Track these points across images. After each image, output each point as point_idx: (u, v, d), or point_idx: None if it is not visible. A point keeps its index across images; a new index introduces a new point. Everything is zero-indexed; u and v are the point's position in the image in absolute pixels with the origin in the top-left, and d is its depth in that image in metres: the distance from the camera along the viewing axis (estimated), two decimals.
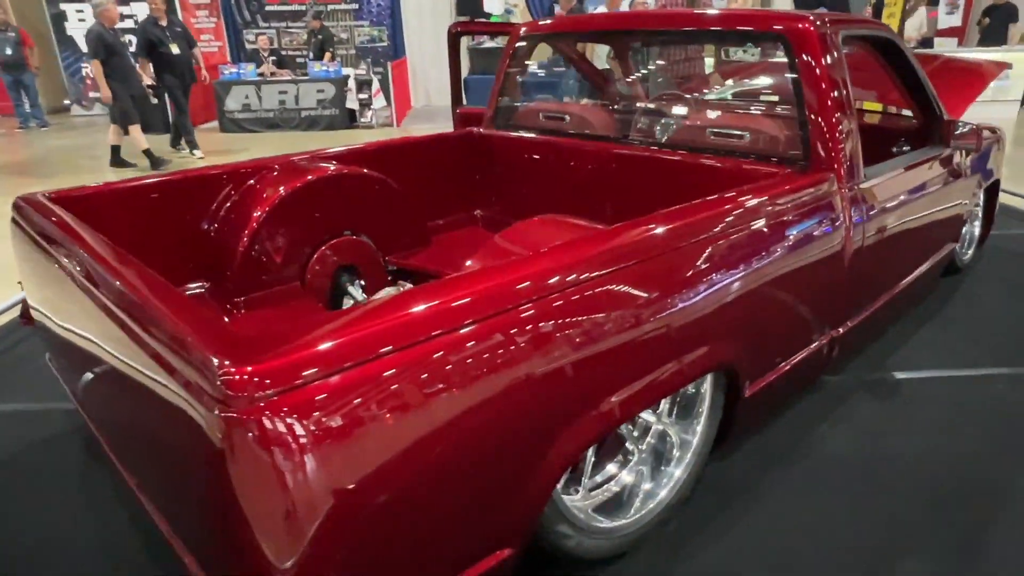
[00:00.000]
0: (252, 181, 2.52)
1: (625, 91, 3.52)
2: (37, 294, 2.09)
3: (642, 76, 3.72)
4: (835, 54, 2.22)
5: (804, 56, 2.20)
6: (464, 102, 3.75)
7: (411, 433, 1.16)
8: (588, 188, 2.84)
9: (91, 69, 6.76)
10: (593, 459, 1.74)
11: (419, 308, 1.20)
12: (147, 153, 7.06)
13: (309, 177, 2.49)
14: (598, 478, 1.82)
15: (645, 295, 1.51)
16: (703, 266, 1.66)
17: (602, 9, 8.59)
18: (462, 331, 1.21)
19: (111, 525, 1.97)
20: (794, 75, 2.23)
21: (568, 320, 1.36)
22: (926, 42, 9.67)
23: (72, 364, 1.92)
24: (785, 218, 1.93)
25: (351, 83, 9.69)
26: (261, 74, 9.72)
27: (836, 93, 2.18)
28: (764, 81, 3.18)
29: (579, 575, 1.74)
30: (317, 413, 1.05)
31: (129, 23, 10.18)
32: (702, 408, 1.90)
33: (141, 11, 9.93)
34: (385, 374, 1.12)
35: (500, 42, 10.20)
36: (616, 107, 3.32)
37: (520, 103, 3.32)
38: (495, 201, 3.29)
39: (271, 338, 1.09)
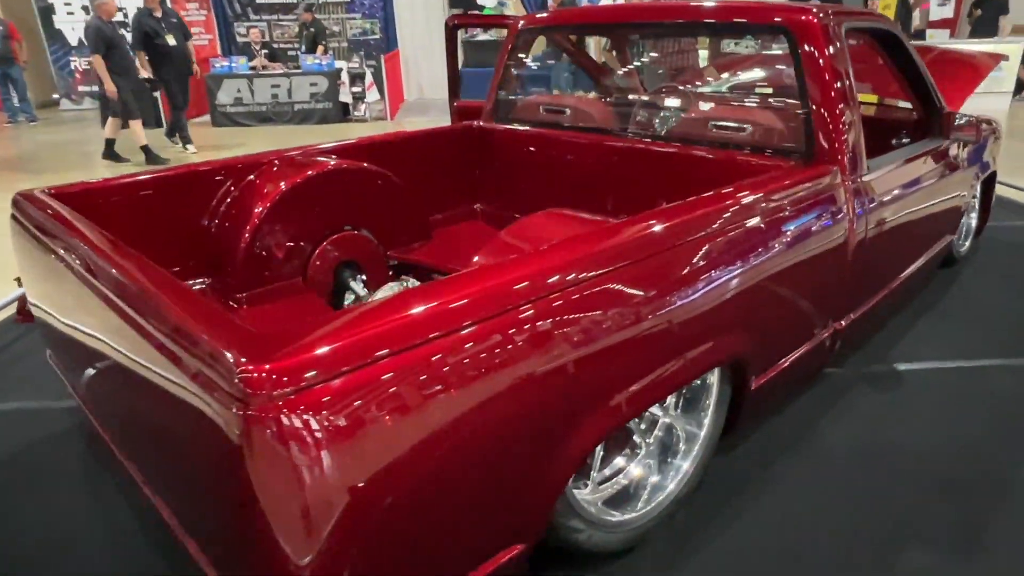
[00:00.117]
0: (252, 176, 2.50)
1: (626, 84, 3.52)
2: (38, 291, 2.07)
3: (642, 69, 3.71)
4: (838, 45, 2.22)
5: (807, 48, 2.20)
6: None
7: (427, 429, 1.15)
8: (589, 182, 2.83)
9: (93, 64, 6.62)
10: (601, 453, 1.75)
11: (436, 304, 1.19)
12: (145, 149, 7.00)
13: (310, 172, 2.48)
14: (606, 471, 1.83)
15: (654, 290, 1.51)
16: (711, 260, 1.66)
17: (606, 0, 8.55)
18: (478, 327, 1.21)
19: (116, 524, 1.96)
20: (797, 67, 2.22)
21: (580, 316, 1.36)
22: (918, 34, 9.70)
23: (76, 362, 1.91)
24: (790, 211, 1.93)
25: (344, 76, 9.64)
26: (253, 68, 9.64)
27: (839, 85, 2.18)
28: (766, 74, 3.18)
29: (590, 569, 1.74)
30: (335, 410, 1.04)
31: (119, 16, 10.05)
32: (709, 401, 1.90)
33: (130, 3, 9.82)
34: (402, 371, 1.11)
35: (493, 35, 10.18)
36: (617, 100, 3.31)
37: (518, 96, 3.31)
38: (495, 195, 3.28)
39: (288, 335, 1.08)
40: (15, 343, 3.13)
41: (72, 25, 11.21)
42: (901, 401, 2.48)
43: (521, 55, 3.24)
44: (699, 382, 1.88)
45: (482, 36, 10.34)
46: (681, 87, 3.06)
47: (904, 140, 2.93)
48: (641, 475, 1.85)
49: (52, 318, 1.95)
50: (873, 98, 3.71)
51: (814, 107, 2.19)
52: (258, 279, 2.44)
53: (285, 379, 1.02)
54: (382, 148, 2.93)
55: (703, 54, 4.54)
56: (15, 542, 1.93)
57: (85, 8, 11.00)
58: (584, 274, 1.38)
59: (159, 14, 7.22)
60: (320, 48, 9.92)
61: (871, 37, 2.66)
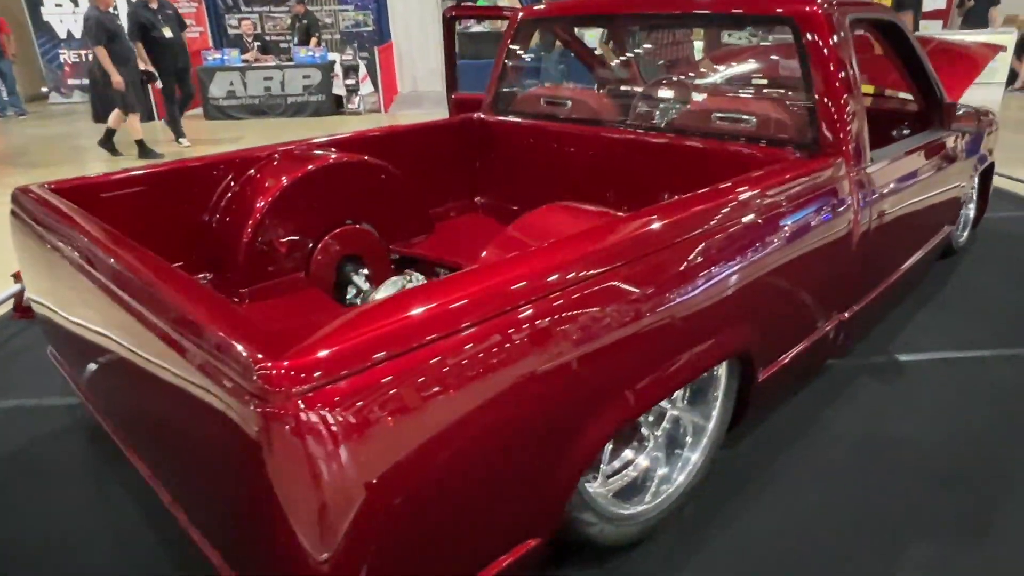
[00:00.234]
0: (253, 171, 2.48)
1: (628, 76, 3.50)
2: (40, 287, 2.05)
3: (643, 60, 3.70)
4: (842, 35, 2.21)
5: (812, 39, 2.19)
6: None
7: (444, 425, 1.15)
8: (591, 174, 2.82)
9: (96, 55, 6.53)
10: (610, 446, 1.75)
11: (452, 299, 1.18)
12: (139, 144, 6.94)
13: (310, 166, 2.46)
14: (616, 464, 1.83)
15: (663, 284, 1.51)
16: (720, 253, 1.65)
17: None
18: (494, 322, 1.20)
19: (120, 522, 1.95)
20: (802, 58, 2.22)
21: (594, 311, 1.35)
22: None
23: (80, 358, 1.89)
24: (797, 203, 1.93)
25: (337, 68, 9.57)
26: (246, 60, 9.56)
27: (844, 76, 2.18)
28: (770, 65, 3.18)
29: (599, 563, 1.74)
30: (354, 406, 1.04)
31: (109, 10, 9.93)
32: (716, 393, 1.91)
33: None
34: (420, 366, 1.11)
35: (488, 26, 10.12)
36: (619, 92, 3.30)
37: (518, 88, 3.29)
38: (496, 188, 3.27)
39: (306, 331, 1.07)
40: (12, 339, 3.10)
41: (60, 17, 11.08)
42: (903, 392, 2.49)
43: (522, 47, 3.22)
44: (707, 375, 1.88)
45: (476, 28, 10.28)
46: (683, 79, 3.06)
47: (904, 131, 2.94)
48: (651, 467, 1.85)
49: (55, 314, 1.93)
50: (869, 88, 3.72)
51: (819, 98, 2.18)
52: (260, 274, 2.42)
53: (303, 375, 1.01)
54: (382, 141, 2.91)
55: (698, 45, 4.54)
56: (17, 541, 1.91)
57: (74, 0, 10.88)
58: (595, 270, 1.38)
59: (155, 5, 7.13)
60: (313, 40, 9.84)
61: (873, 28, 2.66)
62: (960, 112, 2.81)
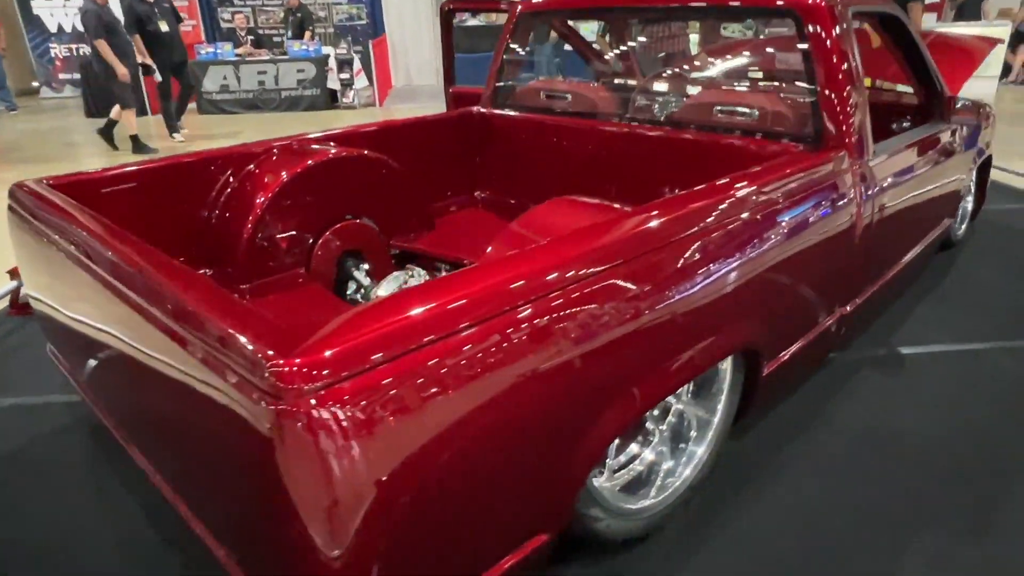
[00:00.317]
0: (252, 166, 2.46)
1: (626, 69, 3.49)
2: (39, 284, 2.03)
3: (641, 53, 3.69)
4: (845, 27, 2.20)
5: (815, 32, 2.18)
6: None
7: (456, 421, 1.14)
8: (592, 168, 2.81)
9: (98, 49, 6.46)
10: (616, 441, 1.74)
11: (462, 296, 1.18)
12: (133, 139, 6.89)
13: (310, 161, 2.44)
14: (622, 458, 1.83)
15: (670, 280, 1.50)
16: (727, 248, 1.65)
17: None
18: (505, 318, 1.19)
19: (124, 521, 1.93)
20: (804, 51, 2.21)
21: (602, 307, 1.34)
22: None
23: (82, 356, 1.87)
24: (802, 197, 1.92)
25: (332, 62, 9.52)
26: (239, 54, 9.49)
27: (847, 69, 2.17)
28: (771, 58, 3.17)
29: (607, 558, 1.74)
30: (366, 404, 1.03)
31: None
32: (722, 387, 1.90)
33: None
34: (431, 363, 1.10)
35: (483, 20, 10.07)
36: (619, 85, 3.29)
37: (517, 82, 3.27)
38: (496, 182, 3.25)
39: (318, 328, 1.06)
40: (9, 337, 3.08)
41: (51, 11, 10.98)
42: (904, 385, 2.50)
43: (521, 40, 3.20)
44: (712, 369, 1.88)
45: (471, 21, 10.24)
46: (685, 72, 3.05)
47: (904, 124, 2.94)
48: (657, 462, 1.85)
49: (55, 312, 1.91)
50: (867, 81, 3.71)
51: (821, 91, 2.17)
52: (261, 270, 2.40)
53: (316, 372, 1.00)
54: (381, 136, 2.89)
55: (694, 39, 4.52)
56: (18, 541, 1.90)
57: None
58: (604, 265, 1.37)
59: None
60: (307, 34, 9.78)
61: (875, 20, 2.66)
62: (959, 105, 2.81)
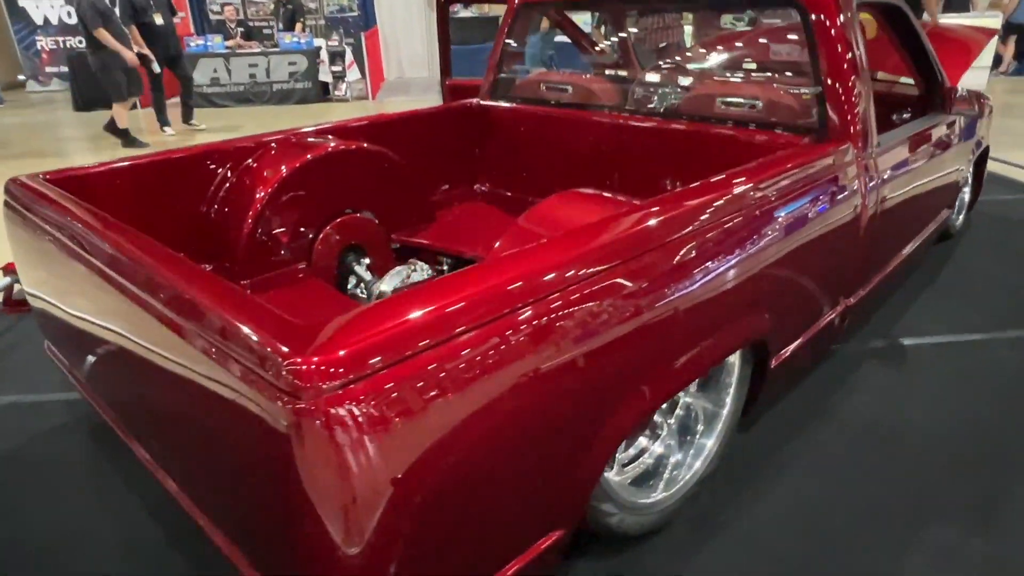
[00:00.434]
0: (251, 161, 2.43)
1: (625, 61, 3.47)
2: (38, 280, 1.99)
3: (639, 44, 3.66)
4: (849, 16, 2.19)
5: (820, 20, 2.16)
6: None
7: (474, 419, 1.13)
8: (593, 161, 2.80)
9: (99, 39, 6.35)
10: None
11: (478, 291, 1.16)
12: (124, 133, 6.81)
13: (311, 155, 2.41)
14: (631, 451, 1.82)
15: (682, 274, 1.48)
16: (738, 241, 1.64)
17: None
18: (521, 314, 1.17)
19: (127, 521, 1.91)
20: (810, 42, 2.19)
21: (617, 301, 1.33)
22: None
23: (84, 354, 1.84)
24: (810, 190, 1.92)
25: (323, 55, 9.43)
26: (229, 47, 9.40)
27: (851, 59, 2.16)
28: (775, 48, 3.15)
29: (616, 553, 1.74)
30: (384, 402, 1.01)
31: None
32: (730, 380, 1.90)
33: None
34: (447, 360, 1.08)
35: (475, 11, 10.02)
36: (619, 77, 3.27)
37: (516, 74, 3.25)
38: (496, 175, 3.23)
39: (334, 326, 1.04)
40: (5, 334, 3.03)
41: (36, 3, 10.82)
42: (907, 377, 2.51)
43: (520, 32, 3.18)
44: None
45: (464, 13, 10.18)
46: (687, 63, 3.03)
47: (905, 115, 2.94)
48: (667, 455, 1.85)
49: (56, 308, 1.88)
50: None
51: (827, 82, 2.16)
52: (261, 265, 2.38)
53: (333, 370, 0.98)
54: (380, 128, 2.86)
55: (687, 30, 4.50)
56: (19, 542, 1.87)
57: None
58: (617, 261, 1.35)
59: None
60: (298, 26, 9.69)
61: (877, 10, 2.65)
62: (962, 96, 2.81)
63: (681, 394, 1.91)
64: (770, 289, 1.81)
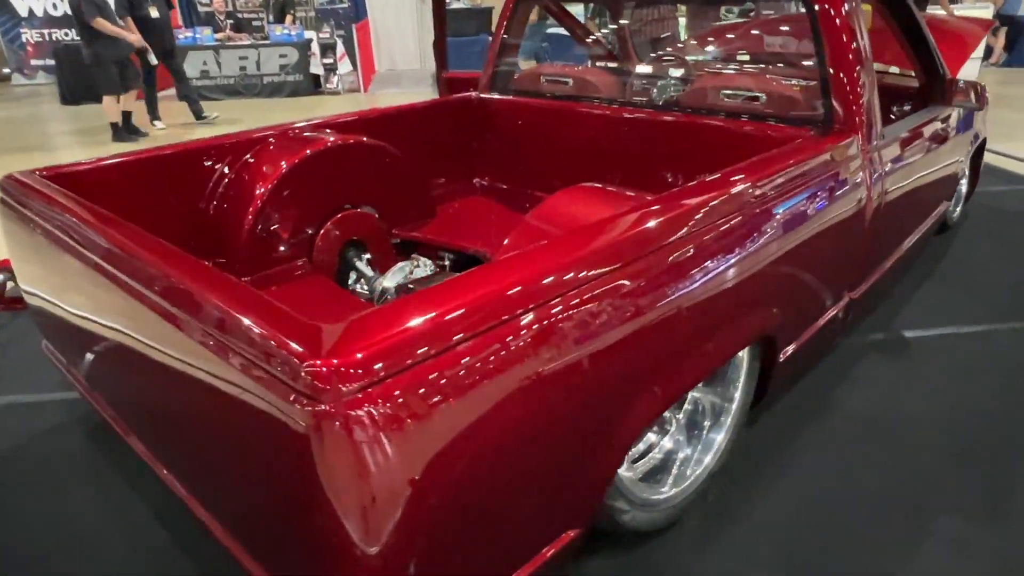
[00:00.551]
0: (250, 156, 2.40)
1: (626, 53, 3.44)
2: (35, 279, 1.96)
3: (636, 36, 3.64)
4: (854, 5, 2.17)
5: (824, 11, 2.14)
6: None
7: (492, 419, 1.11)
8: (594, 155, 2.78)
9: (98, 28, 6.27)
10: None
11: (495, 291, 1.14)
12: (113, 126, 6.73)
13: (311, 150, 2.37)
14: (640, 447, 1.81)
15: (695, 270, 1.47)
16: (749, 235, 1.62)
17: None
18: (537, 313, 1.16)
19: (128, 522, 1.89)
20: (815, 33, 2.18)
21: (631, 300, 1.31)
22: None
23: (85, 352, 1.81)
24: (817, 182, 1.91)
25: (314, 47, 9.35)
26: (219, 39, 9.29)
27: (856, 49, 2.15)
28: (779, 40, 3.14)
29: (628, 550, 1.73)
30: (404, 403, 0.99)
31: None
32: (739, 375, 1.89)
33: None
34: (466, 361, 1.06)
35: (467, 2, 9.94)
36: (620, 70, 3.25)
37: (513, 67, 3.22)
38: (495, 169, 3.21)
39: (351, 327, 1.02)
40: None
41: None
42: (910, 369, 2.51)
43: (519, 24, 3.15)
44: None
45: (455, 4, 10.11)
46: (690, 55, 3.01)
47: (905, 106, 2.93)
48: (677, 451, 1.84)
49: (55, 307, 1.85)
50: None
51: (834, 73, 2.14)
52: (262, 262, 2.35)
53: (353, 372, 0.96)
54: (378, 122, 2.83)
55: (682, 22, 4.47)
56: (19, 544, 1.84)
57: None
58: (631, 259, 1.34)
59: None
60: (289, 17, 9.59)
61: (879, 1, 2.64)
62: (962, 87, 2.80)
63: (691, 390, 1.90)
64: (779, 283, 1.80)
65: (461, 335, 1.07)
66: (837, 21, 2.14)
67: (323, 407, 0.95)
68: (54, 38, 10.76)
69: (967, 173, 3.76)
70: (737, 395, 1.90)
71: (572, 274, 1.24)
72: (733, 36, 3.40)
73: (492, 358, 1.10)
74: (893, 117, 2.82)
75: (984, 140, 3.75)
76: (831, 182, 1.98)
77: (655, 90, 2.83)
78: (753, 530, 1.80)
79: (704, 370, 1.58)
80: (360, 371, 0.97)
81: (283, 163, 2.33)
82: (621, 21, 3.62)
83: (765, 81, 2.48)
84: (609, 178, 2.68)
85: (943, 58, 3.15)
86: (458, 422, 1.08)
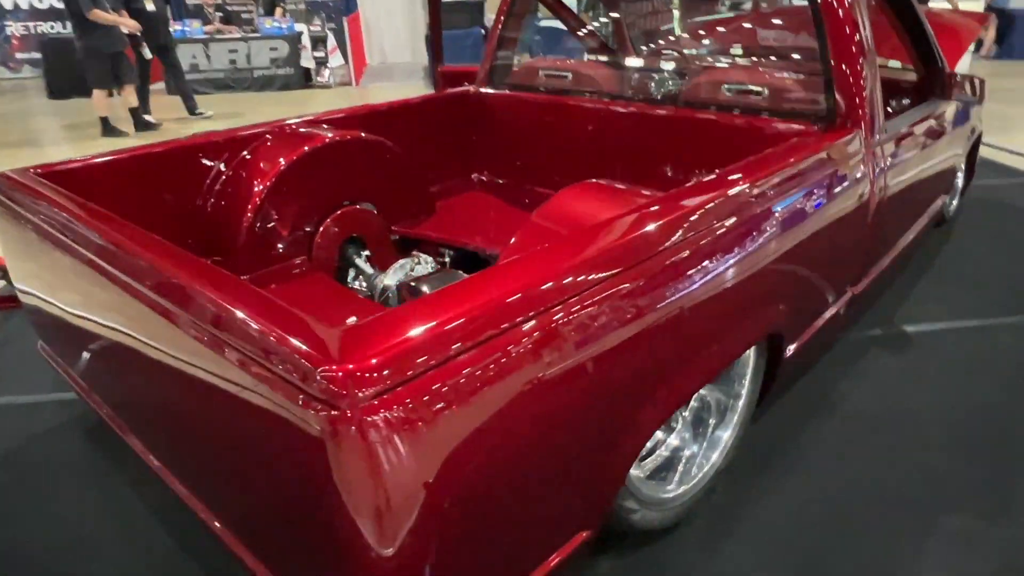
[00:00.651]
0: (246, 152, 2.37)
1: (622, 46, 3.42)
2: (31, 278, 1.92)
3: (632, 28, 3.62)
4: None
5: (827, 3, 2.12)
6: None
7: (507, 423, 1.10)
8: (594, 150, 2.76)
9: (96, 19, 6.17)
10: None
11: (508, 292, 1.12)
12: (103, 120, 6.65)
13: (309, 146, 2.35)
14: (648, 444, 1.80)
15: (705, 269, 1.46)
16: (757, 233, 1.61)
17: None
18: (551, 314, 1.14)
19: (128, 524, 1.87)
20: (818, 26, 2.16)
21: (643, 300, 1.30)
22: None
23: (84, 354, 1.78)
24: (822, 179, 1.90)
25: (305, 40, 9.26)
26: (208, 32, 9.18)
27: (860, 44, 2.14)
28: (781, 35, 3.13)
29: (634, 548, 1.73)
30: (418, 408, 0.98)
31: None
32: (745, 373, 1.89)
33: None
34: (481, 364, 1.05)
35: None
36: (620, 64, 3.22)
37: (511, 60, 3.19)
38: (493, 164, 3.18)
39: (366, 330, 1.00)
40: None
41: None
42: (913, 364, 2.51)
43: (518, 17, 3.12)
44: None
45: None
46: (692, 49, 2.99)
47: (905, 101, 2.93)
48: (684, 449, 1.84)
49: (52, 307, 1.82)
50: None
51: (836, 67, 2.13)
52: (262, 260, 2.32)
53: (369, 376, 0.94)
54: (375, 118, 2.80)
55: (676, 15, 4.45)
56: (18, 547, 1.82)
57: None
58: (641, 259, 1.32)
59: None
60: (279, 10, 9.49)
61: None
62: (961, 81, 2.81)
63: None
64: (786, 280, 1.79)
65: (477, 339, 1.06)
66: (840, 13, 2.12)
67: (339, 412, 0.93)
68: (40, 31, 10.60)
69: (963, 167, 3.76)
70: (743, 392, 1.89)
71: (588, 275, 1.23)
72: (733, 29, 3.38)
73: (508, 362, 1.09)
74: (891, 111, 2.82)
75: (980, 134, 3.76)
76: (835, 177, 1.97)
77: (656, 84, 2.81)
78: (759, 528, 1.80)
79: (714, 369, 1.57)
80: (376, 376, 0.95)
81: (281, 160, 2.30)
82: (617, 14, 3.59)
83: (768, 76, 2.46)
84: (609, 174, 2.66)
85: (944, 51, 3.15)
86: (472, 426, 1.06)
